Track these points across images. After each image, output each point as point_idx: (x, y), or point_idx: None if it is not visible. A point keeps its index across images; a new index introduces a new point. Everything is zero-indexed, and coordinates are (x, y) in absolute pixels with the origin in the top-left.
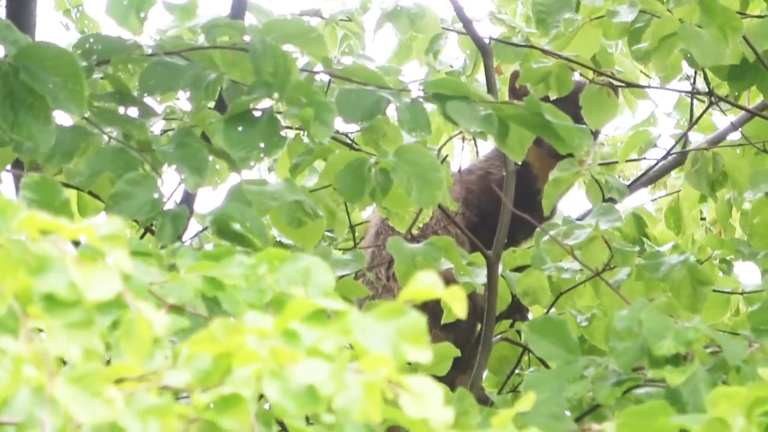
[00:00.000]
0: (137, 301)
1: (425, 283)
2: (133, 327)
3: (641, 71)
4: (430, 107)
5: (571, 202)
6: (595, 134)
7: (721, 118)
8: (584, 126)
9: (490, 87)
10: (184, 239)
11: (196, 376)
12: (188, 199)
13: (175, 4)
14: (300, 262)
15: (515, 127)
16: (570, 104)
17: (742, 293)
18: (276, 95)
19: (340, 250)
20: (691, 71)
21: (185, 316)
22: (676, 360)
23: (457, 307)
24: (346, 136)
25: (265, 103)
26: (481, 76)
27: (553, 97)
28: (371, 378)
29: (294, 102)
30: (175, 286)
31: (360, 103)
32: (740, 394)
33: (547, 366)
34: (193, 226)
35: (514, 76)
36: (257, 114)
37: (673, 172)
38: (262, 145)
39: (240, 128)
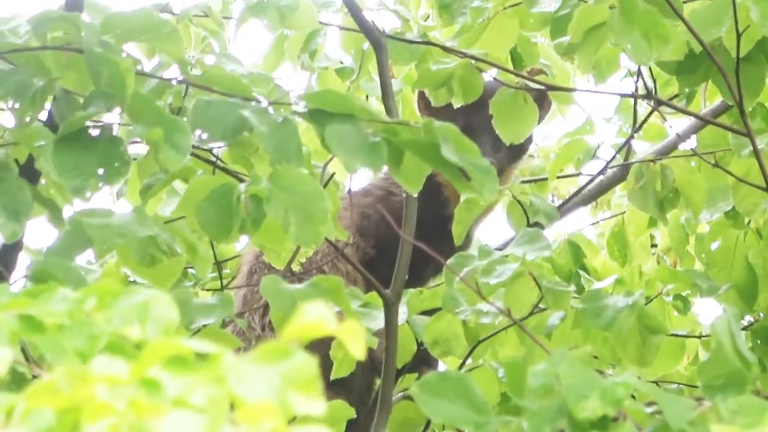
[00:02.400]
0: None
1: (313, 318)
2: None
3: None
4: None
5: (495, 229)
6: (521, 147)
7: (673, 122)
8: (488, 164)
9: (385, 92)
10: (12, 279)
11: None
12: None
13: None
14: (136, 295)
15: (411, 154)
16: (485, 111)
17: (700, 336)
18: (118, 110)
19: (208, 291)
20: (633, 65)
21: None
22: (604, 423)
23: (354, 346)
24: (210, 152)
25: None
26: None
27: (458, 104)
28: (256, 431)
29: (138, 117)
30: None
31: (221, 118)
32: None
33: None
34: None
35: (422, 95)
36: (95, 133)
37: (618, 189)
38: (100, 171)
39: (74, 151)
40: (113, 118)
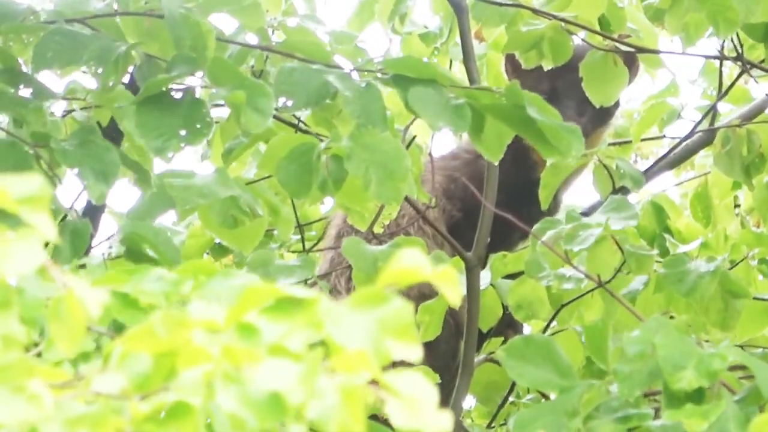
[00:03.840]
0: (66, 275)
1: (409, 263)
2: (63, 308)
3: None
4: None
5: (582, 193)
6: (608, 111)
7: (757, 88)
8: (573, 126)
9: (467, 54)
10: (94, 243)
11: (133, 380)
12: None
13: None
14: (232, 279)
15: (493, 120)
16: (572, 74)
17: None
18: (200, 73)
19: (293, 252)
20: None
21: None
22: (699, 394)
23: (450, 291)
24: (293, 115)
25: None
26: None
27: (547, 66)
28: (351, 381)
29: (220, 81)
30: None
31: (305, 85)
32: None
33: (545, 395)
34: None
35: (510, 58)
36: (177, 96)
37: (702, 150)
38: (183, 132)
39: (156, 112)
40: (195, 81)
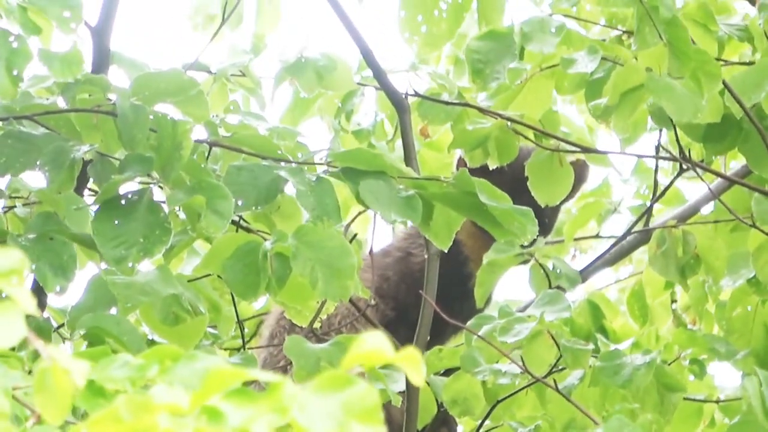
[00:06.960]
0: (50, 346)
1: (372, 346)
2: (49, 379)
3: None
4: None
5: (513, 288)
6: (552, 211)
7: (688, 188)
8: (526, 208)
9: (407, 151)
10: None
11: None
12: (39, 289)
13: (55, 53)
14: (197, 362)
15: (441, 208)
16: (517, 173)
17: (717, 401)
18: (156, 174)
19: (225, 350)
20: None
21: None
22: None
23: (413, 374)
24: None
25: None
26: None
27: (493, 165)
28: None
29: (180, 184)
30: None
31: (254, 183)
32: None
33: None
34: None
35: (461, 162)
36: (132, 197)
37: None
38: (141, 239)
39: (113, 219)
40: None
